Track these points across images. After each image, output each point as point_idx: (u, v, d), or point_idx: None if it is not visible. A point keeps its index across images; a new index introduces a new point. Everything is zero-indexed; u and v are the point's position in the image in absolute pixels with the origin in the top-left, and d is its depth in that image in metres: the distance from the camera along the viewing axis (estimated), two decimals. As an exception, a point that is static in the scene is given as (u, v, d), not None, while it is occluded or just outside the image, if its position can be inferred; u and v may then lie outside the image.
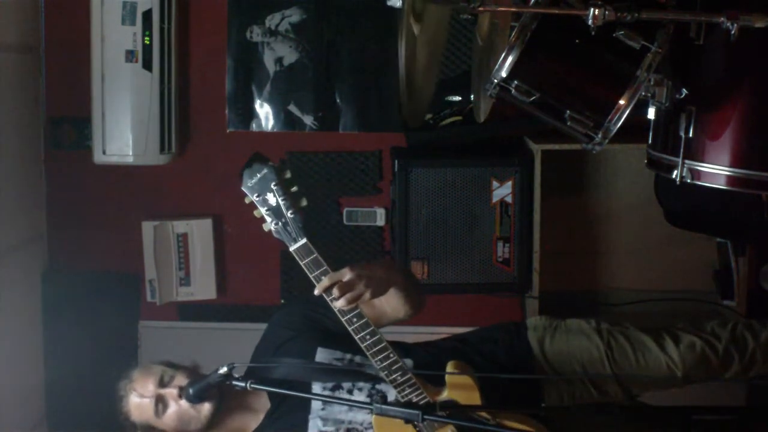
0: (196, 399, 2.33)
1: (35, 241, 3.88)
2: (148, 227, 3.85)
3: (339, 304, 2.20)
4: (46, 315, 3.86)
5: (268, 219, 2.20)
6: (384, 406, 2.05)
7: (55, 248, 3.95)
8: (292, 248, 2.21)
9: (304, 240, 2.20)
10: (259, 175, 2.18)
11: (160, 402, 2.41)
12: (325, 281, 2.20)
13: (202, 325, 3.98)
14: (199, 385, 2.30)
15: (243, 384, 2.18)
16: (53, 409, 3.90)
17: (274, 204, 2.18)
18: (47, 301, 3.87)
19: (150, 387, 2.42)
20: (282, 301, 3.96)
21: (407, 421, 2.06)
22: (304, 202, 2.21)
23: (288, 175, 2.20)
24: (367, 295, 2.24)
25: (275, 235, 2.21)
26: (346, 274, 2.22)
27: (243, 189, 2.20)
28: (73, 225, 3.92)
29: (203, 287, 3.93)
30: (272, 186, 2.18)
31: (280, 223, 2.19)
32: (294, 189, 2.20)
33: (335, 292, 2.19)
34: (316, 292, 2.21)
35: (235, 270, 4.00)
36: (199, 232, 3.91)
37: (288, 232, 2.20)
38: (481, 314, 3.79)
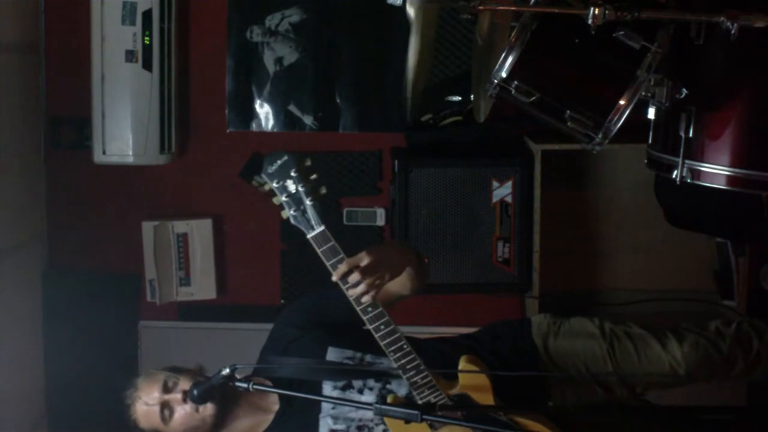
0: (200, 399, 2.33)
1: (35, 241, 3.88)
2: (148, 227, 3.85)
3: (359, 290, 2.18)
4: (46, 315, 3.86)
5: (287, 206, 2.20)
6: (384, 407, 2.05)
7: (55, 248, 3.94)
8: (309, 235, 2.20)
9: (322, 227, 2.20)
10: (279, 162, 2.18)
11: (166, 408, 2.41)
12: (343, 266, 2.18)
13: (202, 325, 3.98)
14: (203, 387, 2.31)
15: (245, 385, 2.18)
16: (53, 409, 3.90)
17: (294, 191, 2.18)
18: (47, 301, 3.87)
19: (155, 394, 2.42)
20: (282, 301, 3.96)
21: (408, 421, 2.06)
22: (323, 190, 2.21)
23: (308, 162, 2.20)
24: (387, 277, 2.23)
25: (293, 222, 2.20)
26: (364, 259, 2.20)
27: (263, 175, 2.19)
28: (73, 225, 3.92)
29: (203, 287, 3.93)
30: (292, 173, 2.18)
31: (298, 211, 2.19)
32: (313, 177, 2.20)
33: (355, 277, 2.18)
34: (335, 278, 2.19)
35: (235, 270, 4.00)
36: (199, 232, 3.91)
37: (306, 220, 2.20)
38: (481, 314, 3.78)
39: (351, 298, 2.22)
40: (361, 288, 2.19)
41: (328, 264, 2.21)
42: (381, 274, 2.22)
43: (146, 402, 2.43)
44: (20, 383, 3.64)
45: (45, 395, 3.89)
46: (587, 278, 3.92)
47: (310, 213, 2.19)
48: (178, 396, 2.39)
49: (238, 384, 2.19)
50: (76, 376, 3.76)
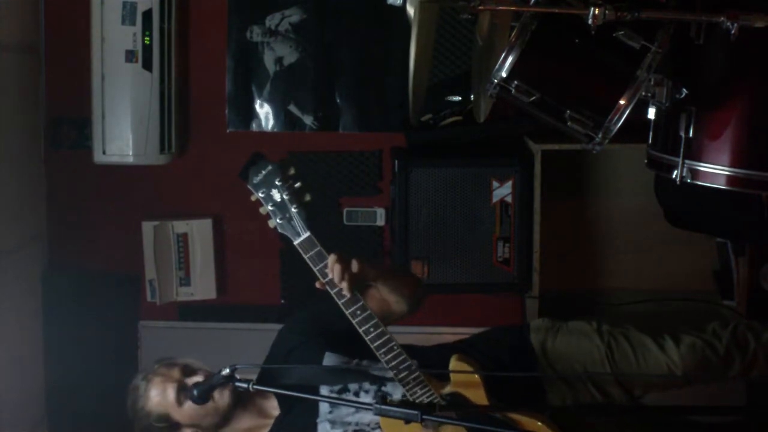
0: (200, 399, 2.34)
1: (35, 241, 3.88)
2: (148, 227, 3.85)
3: (354, 268, 2.23)
4: (46, 315, 3.86)
5: (273, 215, 2.24)
6: (384, 407, 2.05)
7: (55, 248, 3.94)
8: (296, 242, 2.25)
9: (308, 233, 2.24)
10: (264, 172, 2.23)
11: (183, 390, 2.42)
12: (335, 263, 2.22)
13: (202, 325, 3.98)
14: (203, 387, 2.31)
15: (245, 385, 2.19)
16: (53, 410, 3.90)
17: (279, 200, 2.23)
18: (47, 301, 3.87)
19: (175, 374, 2.44)
20: (282, 301, 3.96)
21: (407, 421, 2.06)
22: (308, 197, 2.25)
23: (292, 171, 2.25)
24: (355, 263, 2.26)
25: (280, 230, 2.25)
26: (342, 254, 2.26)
27: (248, 186, 2.24)
28: (73, 225, 3.92)
29: (203, 287, 3.93)
30: (277, 182, 2.22)
31: (284, 219, 2.23)
32: (298, 185, 2.24)
33: (336, 267, 2.22)
34: (330, 277, 2.24)
35: (235, 270, 4.00)
36: (199, 232, 3.91)
37: (292, 227, 2.24)
38: (481, 314, 3.79)
39: (339, 302, 2.26)
40: (355, 266, 2.23)
41: (315, 269, 2.25)
42: (348, 261, 2.25)
43: (166, 378, 2.44)
44: (20, 383, 3.64)
45: (45, 395, 3.89)
46: (587, 278, 3.92)
47: (296, 220, 2.24)
48: (200, 380, 2.40)
49: (238, 384, 2.20)
50: (76, 376, 3.76)
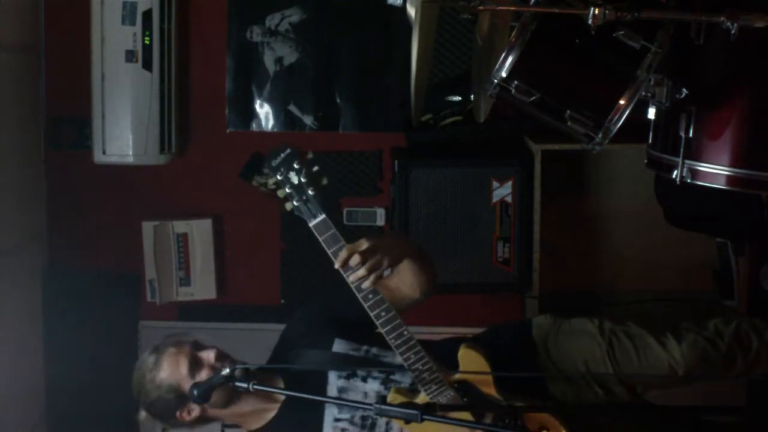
0: (200, 399, 2.34)
1: (35, 241, 3.88)
2: (148, 227, 3.85)
3: (360, 274, 2.25)
4: (46, 315, 3.86)
5: (291, 198, 2.28)
6: (384, 407, 2.05)
7: (55, 248, 3.94)
8: (311, 224, 2.28)
9: (323, 216, 2.28)
10: (282, 155, 2.27)
11: (195, 362, 2.43)
12: (344, 253, 2.26)
13: (202, 325, 3.98)
14: (203, 387, 2.31)
15: (245, 385, 2.20)
16: (53, 409, 3.90)
17: (296, 182, 2.27)
18: (47, 301, 3.87)
19: (187, 348, 2.46)
20: (282, 301, 3.96)
21: (408, 419, 2.07)
22: (325, 181, 2.30)
23: (310, 155, 2.29)
24: (385, 262, 2.30)
25: (296, 212, 2.29)
26: (363, 244, 2.29)
27: (267, 169, 2.28)
28: (73, 225, 3.92)
29: (203, 287, 3.93)
30: (295, 165, 2.26)
31: (301, 201, 2.27)
32: (315, 168, 2.28)
33: (355, 259, 2.25)
34: (337, 265, 2.26)
35: (235, 270, 4.00)
36: (199, 232, 3.91)
37: (308, 209, 2.28)
38: (481, 314, 3.78)
39: (352, 285, 2.28)
40: (361, 272, 2.25)
41: (329, 252, 2.28)
42: (380, 258, 2.29)
43: (179, 351, 2.45)
44: (20, 383, 3.64)
45: (45, 395, 3.89)
46: (587, 278, 3.92)
47: (312, 202, 2.28)
48: (212, 354, 2.44)
49: (238, 384, 2.21)
50: (76, 376, 3.76)
